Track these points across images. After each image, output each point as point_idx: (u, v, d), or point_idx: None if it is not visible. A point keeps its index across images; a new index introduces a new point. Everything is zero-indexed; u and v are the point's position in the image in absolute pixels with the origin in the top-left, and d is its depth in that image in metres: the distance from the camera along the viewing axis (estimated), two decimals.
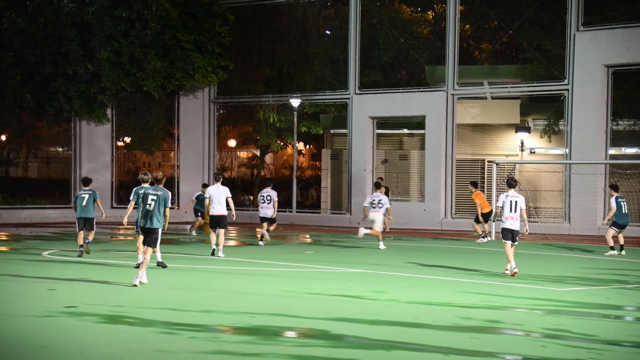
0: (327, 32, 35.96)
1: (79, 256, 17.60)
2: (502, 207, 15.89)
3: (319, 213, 34.11)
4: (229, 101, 35.51)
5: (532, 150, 31.98)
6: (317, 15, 34.04)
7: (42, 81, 30.47)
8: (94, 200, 17.99)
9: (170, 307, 11.15)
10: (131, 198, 15.03)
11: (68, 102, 30.97)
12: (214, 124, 35.36)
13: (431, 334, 9.61)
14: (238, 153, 44.18)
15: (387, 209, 21.41)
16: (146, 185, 15.44)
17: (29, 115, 32.96)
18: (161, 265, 15.74)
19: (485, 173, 31.34)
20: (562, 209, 28.33)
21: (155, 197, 13.85)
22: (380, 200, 21.31)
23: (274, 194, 23.09)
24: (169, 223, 15.57)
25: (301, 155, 42.70)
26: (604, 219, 22.73)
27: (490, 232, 24.41)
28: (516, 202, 15.94)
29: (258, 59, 34.39)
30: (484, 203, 23.75)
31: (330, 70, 33.83)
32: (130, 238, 25.39)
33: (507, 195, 16.09)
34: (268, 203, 22.96)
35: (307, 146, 43.93)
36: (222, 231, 18.60)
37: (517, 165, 29.58)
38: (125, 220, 15.85)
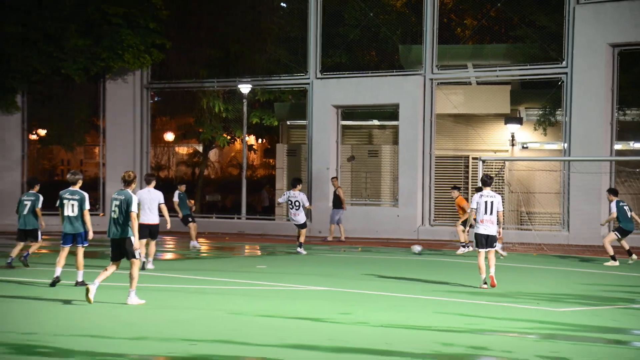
0: (282, 4, 35.93)
1: (7, 267, 17.53)
2: (477, 209, 16.17)
3: (273, 220, 34.05)
4: (166, 87, 35.28)
5: (525, 145, 32.24)
6: None
7: None
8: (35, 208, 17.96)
9: (93, 333, 11.03)
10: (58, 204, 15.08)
11: None
12: (148, 114, 35.11)
13: None
14: (177, 149, 43.94)
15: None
16: (74, 188, 15.42)
17: None
18: (81, 284, 15.56)
19: (470, 172, 31.55)
20: (559, 215, 28.59)
21: (118, 202, 13.83)
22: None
23: (303, 198, 23.60)
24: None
25: (252, 152, 42.61)
26: (602, 222, 22.96)
27: (471, 241, 24.58)
28: (492, 202, 16.21)
29: (200, 37, 34.22)
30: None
31: (287, 50, 33.80)
32: (44, 251, 25.08)
33: (481, 195, 16.33)
34: (297, 209, 23.44)
35: (259, 140, 43.84)
36: (153, 242, 18.92)
37: (506, 162, 29.81)
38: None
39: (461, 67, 31.28)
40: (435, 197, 30.48)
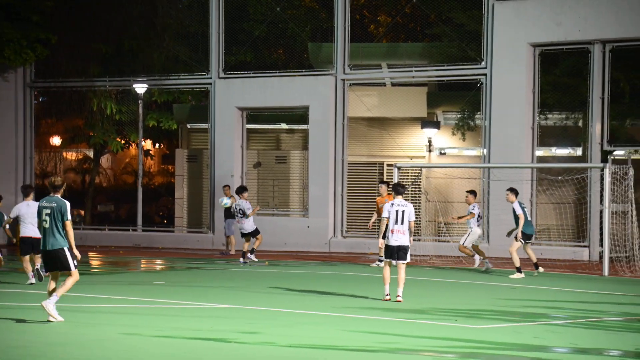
0: None
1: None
2: (388, 218, 16.48)
3: (172, 232, 33.85)
4: (52, 86, 34.78)
5: (442, 151, 32.69)
6: None
7: None
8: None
9: None
10: None
11: None
12: (32, 116, 34.58)
13: None
14: (64, 154, 43.30)
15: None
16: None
17: None
18: None
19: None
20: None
21: (49, 211, 13.72)
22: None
23: (246, 205, 24.87)
24: None
25: (149, 157, 42.28)
26: (512, 234, 22.89)
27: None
28: (403, 211, 16.51)
29: (91, 31, 33.80)
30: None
31: (187, 47, 33.67)
32: None
33: (392, 204, 16.62)
34: (243, 217, 24.90)
35: (157, 145, 43.54)
36: (37, 256, 18.95)
37: (423, 169, 30.15)
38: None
39: (375, 67, 31.58)
40: (348, 207, 30.67)
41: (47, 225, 13.71)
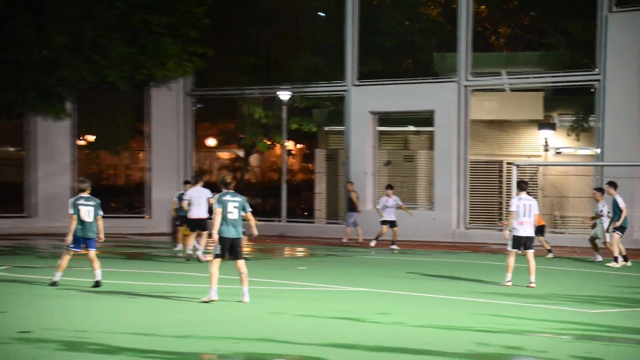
0: (320, 14, 35.99)
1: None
2: (516, 212, 16.55)
3: (313, 223, 34.08)
4: (208, 94, 35.46)
5: (558, 151, 32.01)
6: None
7: None
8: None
9: (141, 331, 11.13)
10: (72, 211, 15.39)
11: (20, 94, 30.90)
12: (191, 121, 35.29)
13: None
14: (218, 154, 44.11)
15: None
16: (84, 194, 15.64)
17: None
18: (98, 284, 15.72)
19: (504, 176, 31.36)
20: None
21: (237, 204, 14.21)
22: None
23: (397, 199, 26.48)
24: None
25: (291, 157, 42.67)
26: (609, 227, 22.33)
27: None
28: (530, 205, 16.59)
29: (241, 46, 34.37)
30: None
31: (325, 58, 33.84)
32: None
33: (520, 199, 16.63)
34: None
35: (298, 146, 43.91)
36: (204, 233, 20.28)
37: (540, 167, 29.60)
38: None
39: (495, 74, 31.14)
40: (470, 201, 30.37)
41: (235, 217, 13.92)
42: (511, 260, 16.83)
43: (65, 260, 15.83)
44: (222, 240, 13.91)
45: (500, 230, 23.96)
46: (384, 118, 32.60)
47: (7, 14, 29.48)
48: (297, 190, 40.52)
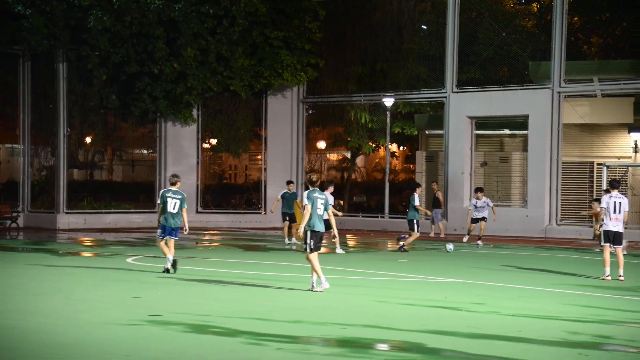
0: (422, 26, 35.74)
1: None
2: (607, 209, 16.28)
3: None
4: (319, 101, 35.71)
5: None
6: (412, 9, 33.88)
7: (128, 81, 31.30)
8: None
9: (257, 316, 11.26)
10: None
11: (153, 102, 31.70)
12: (303, 125, 35.61)
13: (535, 350, 9.42)
14: (327, 155, 44.34)
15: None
16: (173, 188, 16.00)
17: (114, 116, 33.88)
18: (167, 271, 15.88)
19: (595, 176, 30.56)
20: None
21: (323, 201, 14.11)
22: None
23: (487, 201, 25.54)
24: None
25: (394, 158, 42.55)
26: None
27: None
28: (620, 203, 16.30)
29: (349, 56, 34.48)
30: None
31: (426, 67, 33.62)
32: (215, 244, 25.84)
33: (610, 196, 16.42)
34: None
35: (401, 148, 43.74)
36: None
37: (629, 168, 28.71)
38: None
39: (587, 81, 30.36)
40: (562, 200, 29.72)
41: (320, 213, 14.04)
42: (606, 254, 16.42)
43: (162, 246, 16.06)
44: (315, 233, 13.93)
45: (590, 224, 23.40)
46: (481, 122, 32.19)
47: (144, 31, 30.28)
48: (399, 189, 40.37)
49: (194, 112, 33.50)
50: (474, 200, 25.96)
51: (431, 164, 34.32)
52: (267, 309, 11.96)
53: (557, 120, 29.47)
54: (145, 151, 37.08)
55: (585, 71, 30.88)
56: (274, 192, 33.66)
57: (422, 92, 32.99)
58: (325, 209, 14.12)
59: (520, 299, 13.57)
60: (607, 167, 25.17)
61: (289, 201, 24.52)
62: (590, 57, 32.21)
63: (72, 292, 13.60)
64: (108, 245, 23.53)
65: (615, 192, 16.42)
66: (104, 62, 30.77)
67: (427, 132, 35.79)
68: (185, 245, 22.86)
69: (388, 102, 32.74)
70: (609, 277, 16.13)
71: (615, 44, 31.53)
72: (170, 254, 15.97)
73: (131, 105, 31.83)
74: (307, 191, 14.20)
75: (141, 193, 34.59)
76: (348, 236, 29.88)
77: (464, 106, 31.23)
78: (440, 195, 29.84)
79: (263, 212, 34.00)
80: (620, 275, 16.15)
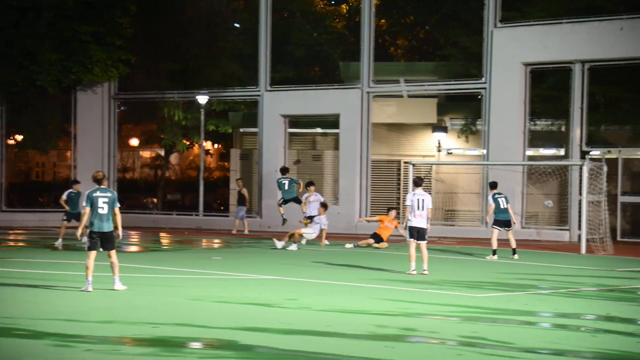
0: (235, 25, 35.84)
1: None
2: (411, 206, 16.75)
3: (227, 217, 33.92)
4: (131, 97, 34.99)
5: (449, 151, 32.59)
6: (225, 7, 33.91)
7: None
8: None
9: (65, 317, 10.92)
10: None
11: None
12: (115, 122, 34.80)
13: (345, 343, 9.68)
14: (141, 153, 43.57)
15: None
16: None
17: None
18: None
19: (402, 174, 31.77)
20: (479, 212, 28.94)
21: (106, 199, 13.69)
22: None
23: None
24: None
25: (209, 156, 42.40)
26: (487, 220, 22.75)
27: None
28: (423, 200, 16.76)
29: (162, 53, 34.01)
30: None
31: (240, 65, 33.74)
32: (20, 244, 24.80)
33: (414, 194, 16.87)
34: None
35: (215, 146, 43.68)
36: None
37: (433, 166, 30.05)
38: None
39: (394, 82, 31.49)
40: (372, 197, 30.66)
41: (105, 212, 13.63)
42: (412, 249, 16.84)
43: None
44: (93, 234, 13.65)
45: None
46: (294, 121, 32.67)
47: None
48: (214, 186, 40.33)
49: None
50: (306, 195, 25.64)
51: (246, 161, 34.47)
52: (75, 310, 11.62)
53: (367, 119, 30.36)
54: None
55: (393, 72, 32.06)
56: (85, 190, 32.60)
57: (236, 90, 33.08)
58: (112, 208, 13.73)
59: (331, 295, 13.88)
60: (413, 165, 26.18)
61: (73, 201, 23.56)
62: (397, 59, 33.48)
63: None
64: None
65: (419, 190, 16.94)
66: None
67: (241, 130, 35.90)
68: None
69: (202, 99, 32.58)
70: (415, 272, 16.71)
71: (419, 47, 32.92)
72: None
73: None
74: (87, 192, 13.81)
75: None
76: (162, 234, 29.49)
77: (277, 105, 31.57)
78: (245, 192, 29.87)
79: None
80: (424, 270, 16.80)
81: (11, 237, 26.73)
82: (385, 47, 35.79)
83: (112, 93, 34.60)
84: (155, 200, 37.95)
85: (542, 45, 27.45)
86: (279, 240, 22.90)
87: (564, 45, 27.11)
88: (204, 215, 33.31)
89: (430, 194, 18.50)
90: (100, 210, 13.60)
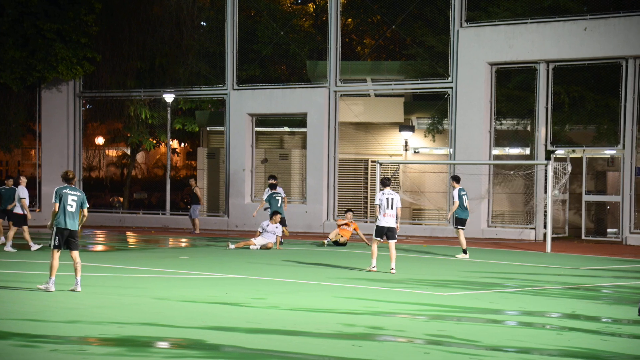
0: (202, 23, 35.70)
1: None
2: (380, 205, 16.81)
3: None
4: (97, 95, 34.71)
5: (416, 150, 32.74)
6: (191, 5, 33.72)
7: None
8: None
9: (30, 317, 10.83)
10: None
11: None
12: (80, 120, 34.52)
13: (312, 342, 9.69)
14: (107, 151, 43.27)
15: None
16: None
17: None
18: None
19: (369, 173, 31.87)
20: (446, 211, 29.10)
21: (75, 198, 13.64)
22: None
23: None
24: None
25: (175, 154, 42.25)
26: (448, 215, 22.89)
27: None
28: (392, 199, 16.90)
29: (128, 51, 33.76)
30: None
31: (207, 64, 33.62)
32: None
33: (383, 193, 16.97)
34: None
35: (182, 144, 43.54)
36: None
37: (400, 165, 30.18)
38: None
39: (361, 81, 31.57)
40: (339, 195, 30.72)
41: (72, 210, 13.57)
42: (374, 247, 17.11)
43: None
44: (60, 231, 13.59)
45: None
46: (261, 120, 32.63)
47: None
48: (181, 185, 40.17)
49: None
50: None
51: (213, 160, 34.37)
52: (39, 310, 11.52)
53: (334, 118, 30.41)
54: None
55: (360, 71, 32.12)
56: (50, 189, 32.37)
57: (202, 88, 32.96)
58: (79, 207, 13.65)
59: (298, 293, 13.90)
60: (380, 164, 26.28)
61: (4, 197, 23.06)
62: (364, 58, 33.54)
63: None
64: None
65: (387, 189, 17.06)
66: None
67: (208, 128, 35.80)
68: None
69: (168, 98, 32.44)
70: (375, 269, 16.90)
71: (386, 46, 33.02)
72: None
73: None
74: (56, 188, 13.69)
75: None
76: (128, 233, 29.31)
77: (244, 103, 31.51)
78: (198, 191, 29.77)
79: (38, 210, 32.57)
80: (392, 268, 16.87)
81: None
82: (353, 46, 35.88)
83: (77, 91, 34.32)
84: (121, 199, 37.70)
85: (507, 45, 27.67)
86: (232, 243, 22.92)
87: (529, 45, 27.35)
88: (171, 214, 33.16)
89: (397, 192, 18.56)
90: (69, 208, 13.54)
